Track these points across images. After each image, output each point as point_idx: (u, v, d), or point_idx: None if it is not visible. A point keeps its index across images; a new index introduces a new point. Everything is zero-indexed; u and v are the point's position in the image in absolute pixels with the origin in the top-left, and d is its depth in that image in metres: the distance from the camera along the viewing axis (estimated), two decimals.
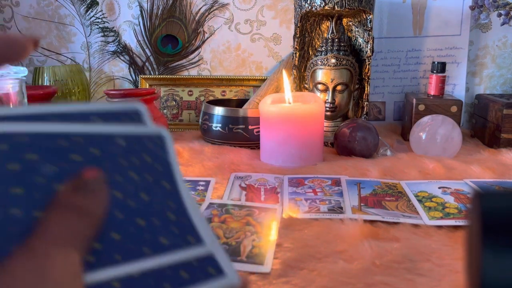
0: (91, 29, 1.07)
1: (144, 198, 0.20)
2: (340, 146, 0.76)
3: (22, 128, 0.18)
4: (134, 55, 1.08)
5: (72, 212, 0.17)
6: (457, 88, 0.98)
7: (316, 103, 0.71)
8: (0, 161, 0.17)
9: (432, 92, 0.86)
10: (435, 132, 0.73)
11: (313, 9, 0.79)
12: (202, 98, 1.03)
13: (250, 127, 0.80)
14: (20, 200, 0.16)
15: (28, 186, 0.17)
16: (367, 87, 0.84)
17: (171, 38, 1.06)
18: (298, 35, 0.85)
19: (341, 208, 0.53)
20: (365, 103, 0.84)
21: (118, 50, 1.07)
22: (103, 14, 1.06)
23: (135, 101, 0.23)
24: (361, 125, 0.74)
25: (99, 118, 0.20)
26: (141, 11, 1.05)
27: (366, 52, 0.83)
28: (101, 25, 1.06)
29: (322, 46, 0.85)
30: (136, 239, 0.19)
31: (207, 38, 1.06)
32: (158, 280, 0.19)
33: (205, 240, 0.21)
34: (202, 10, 1.04)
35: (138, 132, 0.21)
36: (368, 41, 0.83)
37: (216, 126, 0.82)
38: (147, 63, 1.08)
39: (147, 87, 1.04)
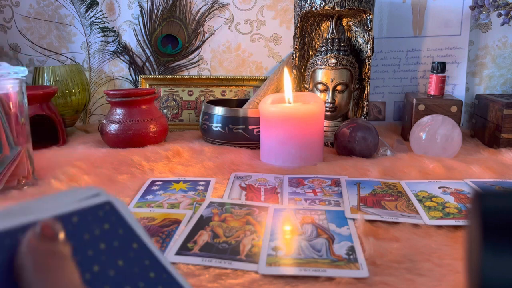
0: (91, 29, 1.07)
1: (120, 264, 0.20)
2: (340, 146, 0.76)
3: None
4: (134, 55, 1.08)
5: (51, 256, 0.17)
6: (457, 88, 0.98)
7: (316, 103, 0.71)
8: None
9: (432, 92, 0.86)
10: (435, 132, 0.73)
11: (313, 9, 0.79)
12: (202, 98, 1.03)
13: (250, 127, 0.80)
14: None
15: None
16: (367, 87, 0.84)
17: (171, 38, 1.06)
18: (298, 35, 0.85)
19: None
20: (365, 103, 0.84)
21: (118, 50, 1.07)
22: (103, 14, 1.06)
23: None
24: (361, 125, 0.74)
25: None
26: (141, 11, 1.05)
27: (366, 52, 0.83)
28: (101, 25, 1.06)
29: (322, 46, 0.85)
30: None
31: (207, 38, 1.06)
32: None
33: None
34: (202, 10, 1.04)
35: (86, 204, 0.21)
36: (368, 41, 0.83)
37: (216, 126, 0.82)
38: (147, 63, 1.08)
39: (147, 87, 1.04)
